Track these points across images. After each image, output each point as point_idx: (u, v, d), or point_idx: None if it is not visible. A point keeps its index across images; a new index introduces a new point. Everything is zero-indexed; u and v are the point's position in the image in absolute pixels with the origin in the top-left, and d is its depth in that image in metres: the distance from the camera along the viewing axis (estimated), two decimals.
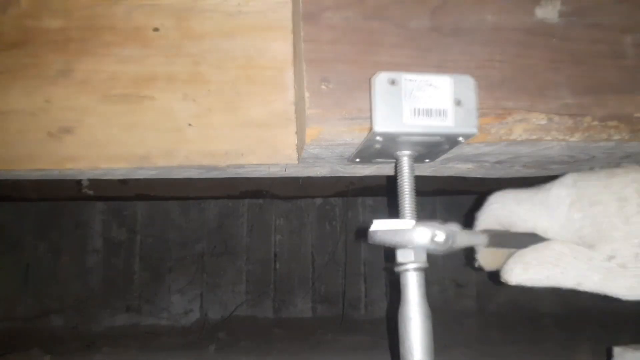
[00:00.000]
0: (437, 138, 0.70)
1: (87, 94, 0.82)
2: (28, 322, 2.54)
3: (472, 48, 0.76)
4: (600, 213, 0.71)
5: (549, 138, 0.76)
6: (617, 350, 1.22)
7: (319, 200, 2.83)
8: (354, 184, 2.40)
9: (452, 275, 2.78)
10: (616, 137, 0.76)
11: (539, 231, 0.77)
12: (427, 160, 0.84)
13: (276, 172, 0.90)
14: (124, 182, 2.19)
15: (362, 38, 0.73)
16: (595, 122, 0.76)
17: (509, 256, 0.78)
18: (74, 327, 2.55)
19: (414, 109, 0.67)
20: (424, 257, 0.72)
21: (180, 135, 0.82)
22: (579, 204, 0.73)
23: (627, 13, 0.80)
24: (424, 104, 0.67)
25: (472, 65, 0.75)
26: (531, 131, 0.76)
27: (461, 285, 2.78)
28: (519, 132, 0.75)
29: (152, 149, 0.82)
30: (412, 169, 0.76)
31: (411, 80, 0.67)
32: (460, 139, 0.71)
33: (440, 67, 0.74)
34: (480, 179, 1.04)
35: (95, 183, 2.20)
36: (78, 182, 2.18)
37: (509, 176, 1.01)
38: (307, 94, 0.71)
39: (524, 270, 0.74)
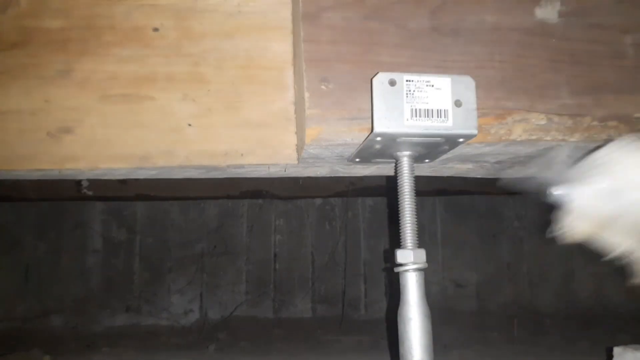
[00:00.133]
0: (437, 139, 0.70)
1: (87, 94, 0.82)
2: (28, 322, 2.54)
3: (472, 48, 0.76)
4: None
5: (548, 138, 0.76)
6: (617, 350, 1.22)
7: (318, 201, 2.83)
8: (354, 184, 2.39)
9: (452, 275, 2.78)
10: (616, 137, 0.77)
11: None
12: (427, 161, 0.84)
13: (276, 172, 0.90)
14: (123, 182, 2.19)
15: (362, 38, 0.73)
16: (595, 122, 0.76)
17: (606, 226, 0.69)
18: (73, 327, 2.55)
19: (414, 110, 0.67)
20: (423, 258, 0.72)
21: (180, 135, 0.82)
22: None
23: (627, 13, 0.80)
24: (423, 105, 0.67)
25: (472, 65, 0.75)
26: (531, 131, 0.76)
27: (461, 285, 2.78)
28: (518, 132, 0.75)
29: (152, 149, 0.82)
30: (412, 169, 0.76)
31: (411, 81, 0.67)
32: (461, 140, 0.71)
33: (440, 67, 0.74)
34: (480, 179, 1.04)
35: (95, 183, 2.20)
36: (78, 183, 2.18)
37: (509, 176, 1.01)
38: (307, 94, 0.71)
39: None
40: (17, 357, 1.89)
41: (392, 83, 0.67)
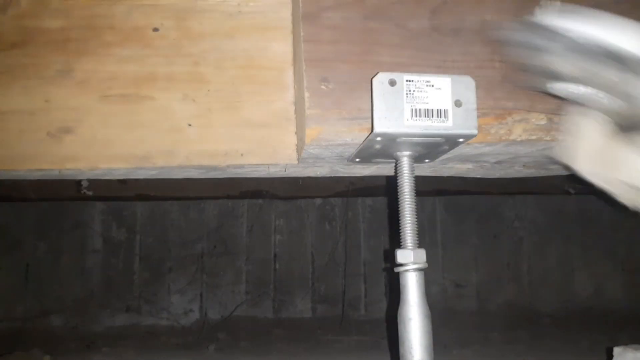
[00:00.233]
0: (437, 139, 0.70)
1: (87, 94, 0.82)
2: (28, 322, 2.54)
3: (472, 48, 0.76)
4: None
5: (548, 138, 0.76)
6: (617, 350, 1.22)
7: (318, 201, 2.83)
8: (354, 184, 2.39)
9: (452, 275, 2.78)
10: None
11: None
12: (427, 161, 0.84)
13: (276, 172, 0.90)
14: (123, 182, 2.19)
15: (362, 38, 0.73)
16: None
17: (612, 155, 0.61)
18: (74, 327, 2.55)
19: (414, 110, 0.67)
20: (423, 258, 0.72)
21: (180, 135, 0.82)
22: None
23: (627, 13, 0.79)
24: (424, 105, 0.67)
25: (472, 65, 0.75)
26: (531, 131, 0.76)
27: (461, 285, 2.78)
28: (518, 132, 0.75)
29: (151, 149, 0.82)
30: (412, 169, 0.76)
31: (411, 81, 0.67)
32: (460, 140, 0.71)
33: (440, 67, 0.74)
34: (479, 179, 1.04)
35: (95, 183, 2.20)
36: (78, 183, 2.18)
37: (509, 176, 1.01)
38: (306, 94, 0.71)
39: None
40: (17, 357, 1.89)
41: (392, 83, 0.67)
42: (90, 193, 2.22)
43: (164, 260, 2.70)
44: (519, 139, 0.76)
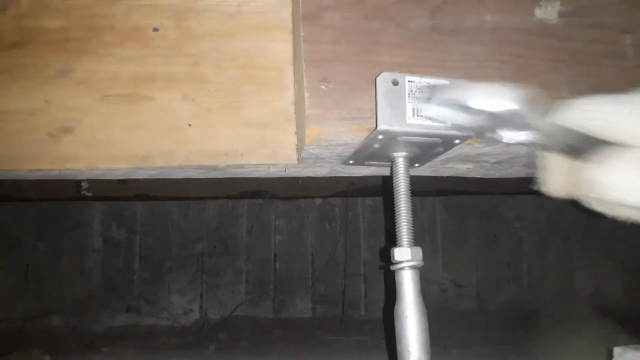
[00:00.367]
0: (435, 139, 0.71)
1: (87, 94, 0.82)
2: (28, 322, 2.54)
3: (472, 48, 0.76)
4: None
5: None
6: (617, 350, 1.22)
7: (318, 201, 2.83)
8: (354, 184, 2.40)
9: (452, 275, 2.78)
10: None
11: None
12: (416, 165, 0.84)
13: (276, 172, 0.90)
14: (123, 182, 2.19)
15: (362, 38, 0.73)
16: None
17: (576, 177, 0.65)
18: (74, 327, 2.55)
19: (416, 109, 0.68)
20: (418, 256, 0.72)
21: (180, 135, 0.82)
22: None
23: (627, 13, 0.80)
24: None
25: (472, 65, 0.75)
26: None
27: (461, 285, 2.78)
28: None
29: (151, 149, 0.82)
30: (407, 169, 0.77)
31: (412, 82, 0.68)
32: (457, 141, 0.72)
33: (440, 67, 0.74)
34: (479, 178, 1.04)
35: (95, 183, 2.20)
36: (77, 184, 2.18)
37: (509, 176, 1.01)
38: (307, 94, 0.71)
39: (624, 169, 0.60)
40: (17, 357, 1.89)
41: (395, 83, 0.68)
42: (89, 194, 2.22)
43: (164, 260, 2.71)
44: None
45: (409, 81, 0.68)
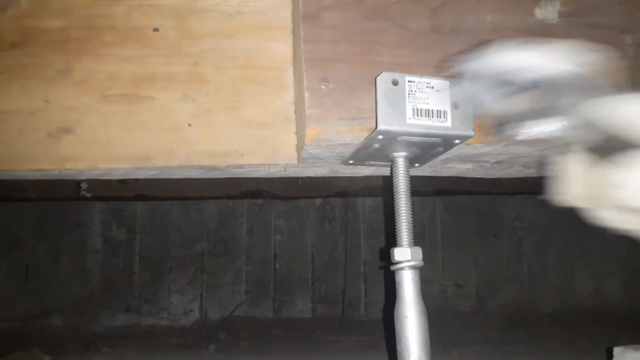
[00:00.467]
0: (435, 139, 0.71)
1: (87, 94, 0.82)
2: (28, 322, 2.54)
3: (472, 48, 0.75)
4: None
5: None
6: (617, 350, 1.22)
7: (318, 200, 2.83)
8: (354, 184, 2.40)
9: (452, 275, 2.78)
10: None
11: None
12: (416, 165, 0.84)
13: (276, 172, 0.90)
14: (123, 182, 2.19)
15: (362, 38, 0.73)
16: None
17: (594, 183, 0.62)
18: (74, 327, 2.55)
19: (416, 109, 0.68)
20: (418, 256, 0.72)
21: (180, 135, 0.82)
22: None
23: (627, 13, 0.80)
24: (424, 105, 0.68)
25: None
26: None
27: (461, 285, 2.78)
28: None
29: (151, 149, 0.82)
30: (407, 169, 0.77)
31: (412, 82, 0.68)
32: (457, 141, 0.72)
33: (440, 67, 0.74)
34: (480, 178, 1.04)
35: (95, 183, 2.20)
36: (77, 185, 2.18)
37: (509, 176, 1.01)
38: (307, 94, 0.71)
39: None
40: (17, 357, 1.90)
41: (395, 83, 0.68)
42: (89, 195, 2.22)
43: (164, 260, 2.70)
44: (519, 139, 0.76)
45: (409, 81, 0.68)
